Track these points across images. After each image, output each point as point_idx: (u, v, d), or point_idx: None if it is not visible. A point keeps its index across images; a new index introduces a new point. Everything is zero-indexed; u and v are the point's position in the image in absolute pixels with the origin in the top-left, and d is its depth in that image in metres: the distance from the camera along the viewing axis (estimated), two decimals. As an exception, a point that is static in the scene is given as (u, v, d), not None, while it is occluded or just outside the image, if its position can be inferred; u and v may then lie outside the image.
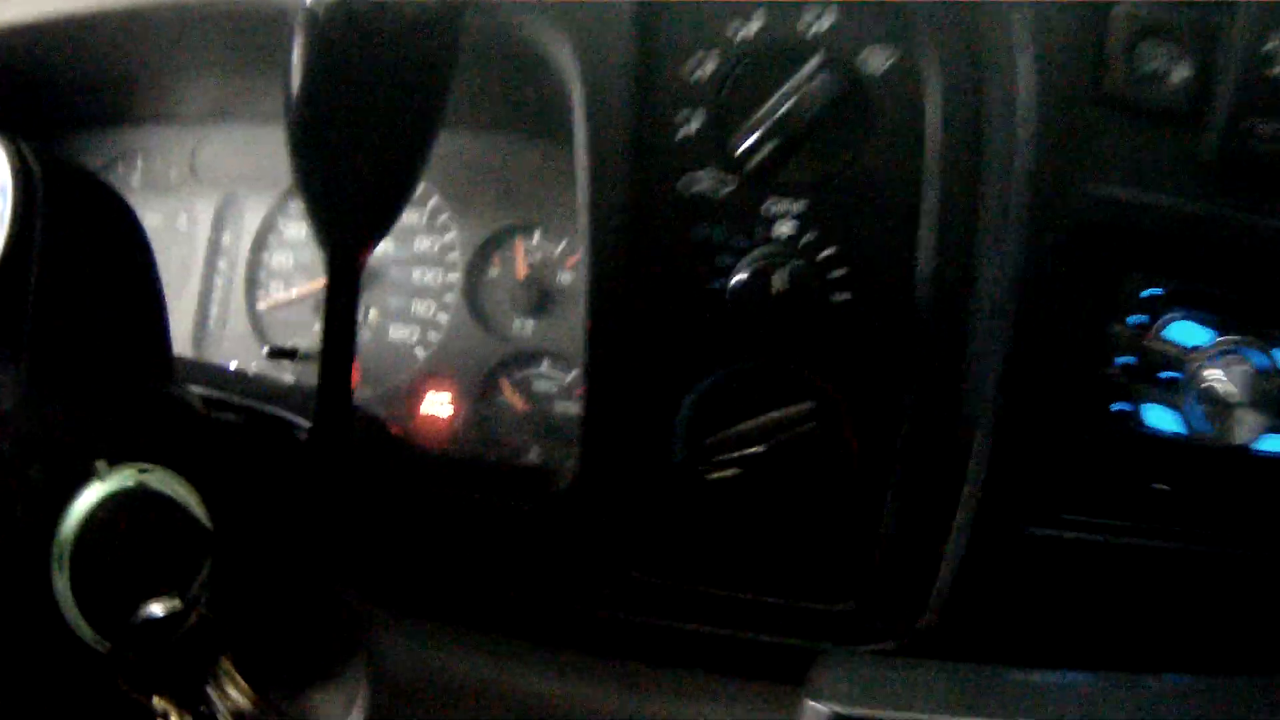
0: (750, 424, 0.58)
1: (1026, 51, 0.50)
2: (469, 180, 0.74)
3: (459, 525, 0.64)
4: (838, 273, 0.56)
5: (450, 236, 0.74)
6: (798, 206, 0.56)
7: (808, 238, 0.56)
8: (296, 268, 0.79)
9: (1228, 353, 0.52)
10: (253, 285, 0.80)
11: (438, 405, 0.73)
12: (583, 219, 0.56)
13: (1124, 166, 0.50)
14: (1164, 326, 0.53)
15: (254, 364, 0.78)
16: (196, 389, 0.62)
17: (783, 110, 0.53)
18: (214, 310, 0.81)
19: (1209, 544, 0.54)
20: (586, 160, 0.56)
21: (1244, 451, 0.52)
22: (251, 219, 0.80)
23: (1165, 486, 0.55)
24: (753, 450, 0.57)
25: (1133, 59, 0.48)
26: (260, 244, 0.80)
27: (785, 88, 0.54)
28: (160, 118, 0.84)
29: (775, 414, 0.57)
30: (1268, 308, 0.52)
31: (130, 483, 0.46)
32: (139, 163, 0.86)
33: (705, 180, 0.56)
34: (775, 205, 0.56)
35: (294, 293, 0.78)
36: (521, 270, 0.72)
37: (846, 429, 0.58)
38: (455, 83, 0.57)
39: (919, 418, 0.57)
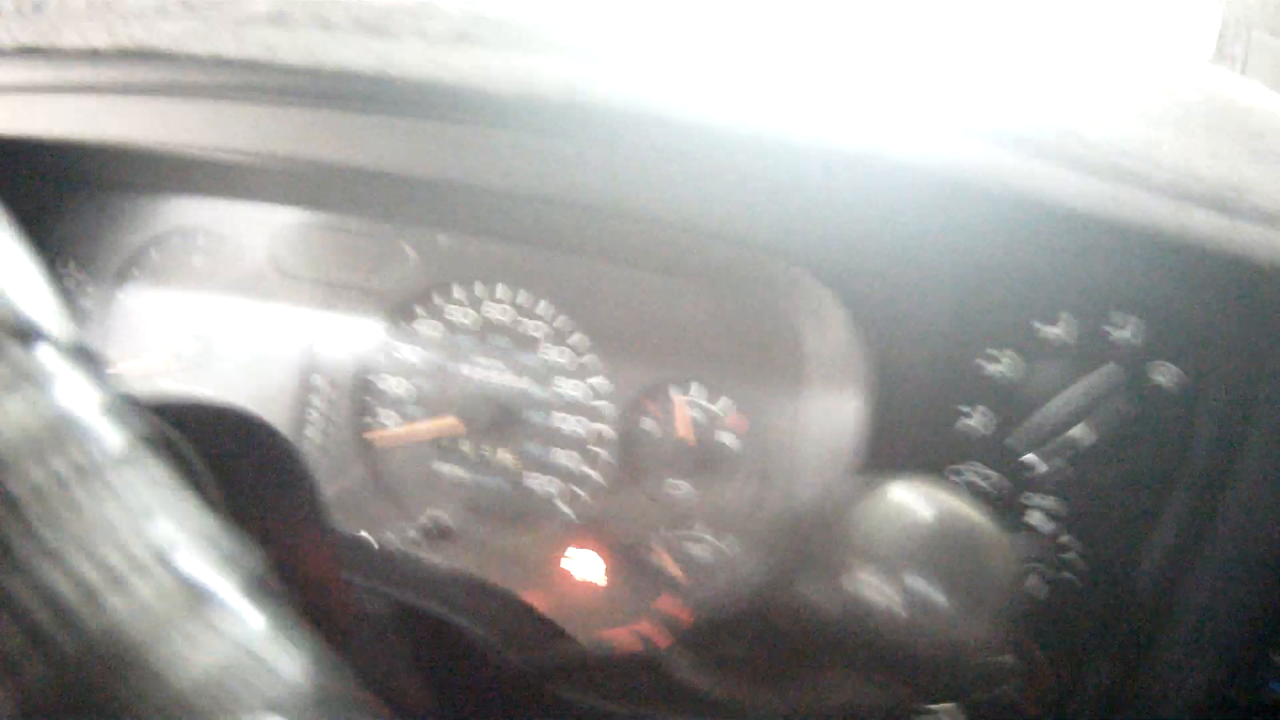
0: None
1: None
2: (621, 321, 0.68)
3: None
4: (1070, 556, 0.58)
5: (598, 382, 0.69)
6: (1055, 505, 0.56)
7: (1054, 528, 0.57)
8: (415, 398, 0.71)
9: None
10: (359, 412, 0.71)
11: (584, 568, 0.70)
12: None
13: None
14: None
15: (391, 535, 0.71)
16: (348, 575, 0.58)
17: (1075, 434, 0.53)
18: (312, 433, 0.71)
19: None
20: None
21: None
22: (354, 332, 0.70)
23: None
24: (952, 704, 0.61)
25: None
26: (368, 365, 0.71)
27: (1078, 398, 0.53)
28: (228, 191, 0.70)
29: (979, 665, 0.61)
30: None
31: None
32: (199, 241, 0.73)
33: (973, 475, 0.55)
34: (1031, 499, 0.56)
35: (413, 428, 0.70)
36: (686, 431, 0.68)
37: (1041, 683, 0.62)
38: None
39: (1106, 680, 0.61)
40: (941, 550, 0.35)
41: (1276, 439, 0.55)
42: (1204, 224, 0.46)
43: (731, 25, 0.49)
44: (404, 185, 0.63)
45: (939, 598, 0.35)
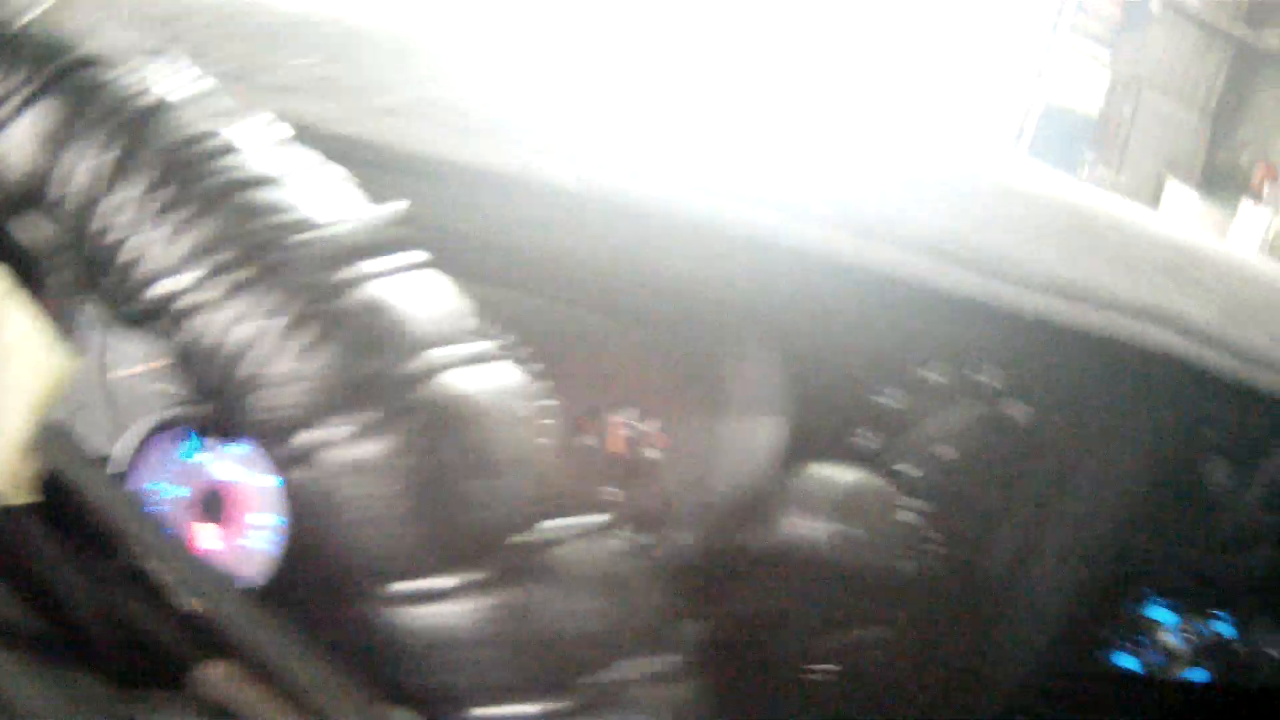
0: (841, 639, 0.77)
1: (1129, 444, 0.69)
2: (568, 354, 0.82)
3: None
4: (935, 549, 0.74)
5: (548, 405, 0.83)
6: (920, 505, 0.73)
7: (923, 526, 0.73)
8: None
9: (1185, 626, 0.77)
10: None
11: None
12: None
13: (1165, 527, 0.72)
14: (1146, 608, 0.77)
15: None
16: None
17: (940, 450, 0.70)
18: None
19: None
20: None
21: (1175, 681, 0.79)
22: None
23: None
24: (838, 664, 0.77)
25: (1200, 466, 0.69)
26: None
27: (946, 424, 0.70)
28: None
29: (860, 634, 0.77)
30: (1211, 599, 0.76)
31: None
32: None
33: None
34: (907, 502, 0.73)
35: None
36: (618, 445, 0.83)
37: (908, 652, 0.78)
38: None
39: (959, 650, 0.78)
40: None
41: (1103, 466, 0.72)
42: (1062, 310, 0.63)
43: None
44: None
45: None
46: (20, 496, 0.30)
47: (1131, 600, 0.78)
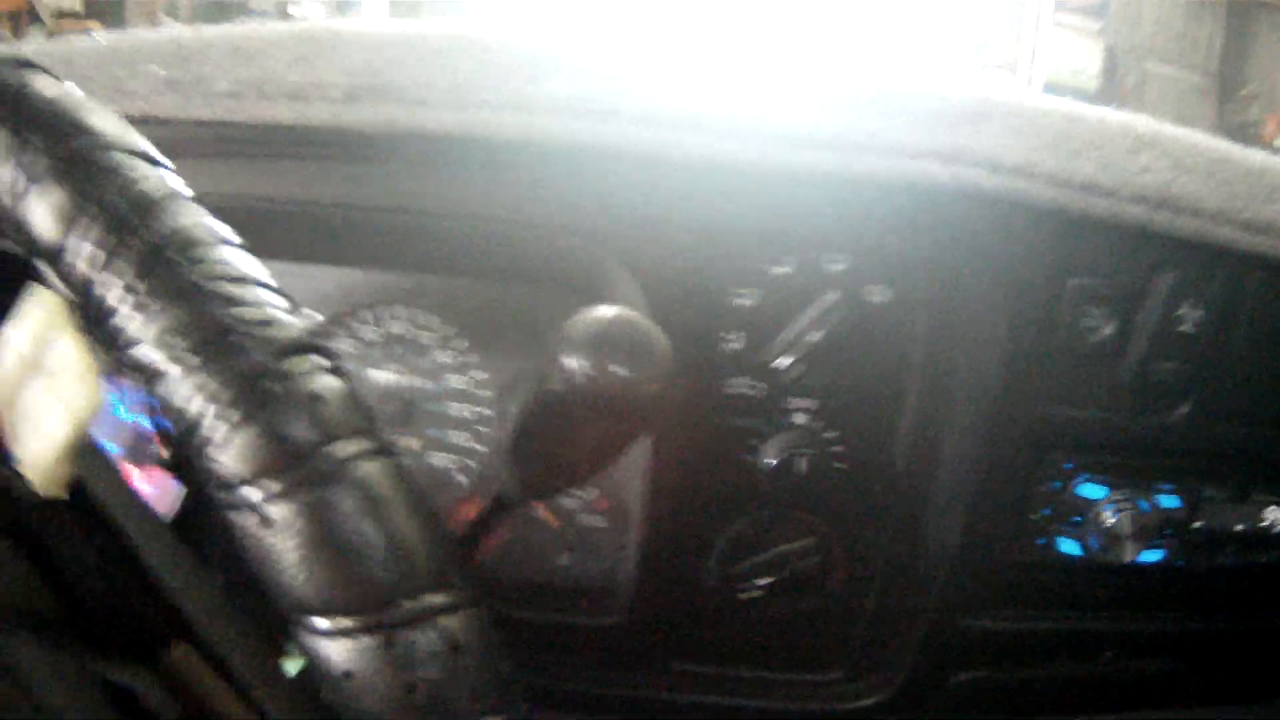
0: (767, 555, 0.76)
1: (999, 308, 0.68)
2: (495, 324, 0.85)
3: (523, 631, 0.79)
4: (837, 449, 0.74)
5: (481, 376, 0.86)
6: (812, 404, 0.73)
7: (817, 425, 0.73)
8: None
9: (1119, 501, 0.74)
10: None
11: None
12: None
13: (1062, 390, 0.70)
14: (1076, 486, 0.74)
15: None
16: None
17: (809, 339, 0.69)
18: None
19: (1102, 623, 0.78)
20: None
21: (1125, 565, 0.75)
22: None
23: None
24: (769, 579, 0.76)
25: (1079, 319, 0.67)
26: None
27: (809, 316, 0.70)
28: None
29: (786, 547, 0.76)
30: (1145, 471, 0.73)
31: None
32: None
33: (743, 385, 0.72)
34: (794, 403, 0.73)
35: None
36: (546, 408, 0.85)
37: (837, 557, 0.77)
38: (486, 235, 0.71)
39: (890, 549, 0.76)
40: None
41: (978, 334, 0.72)
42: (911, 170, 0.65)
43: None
44: (325, 225, 0.81)
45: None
46: (53, 492, 0.36)
47: (1057, 478, 0.75)
